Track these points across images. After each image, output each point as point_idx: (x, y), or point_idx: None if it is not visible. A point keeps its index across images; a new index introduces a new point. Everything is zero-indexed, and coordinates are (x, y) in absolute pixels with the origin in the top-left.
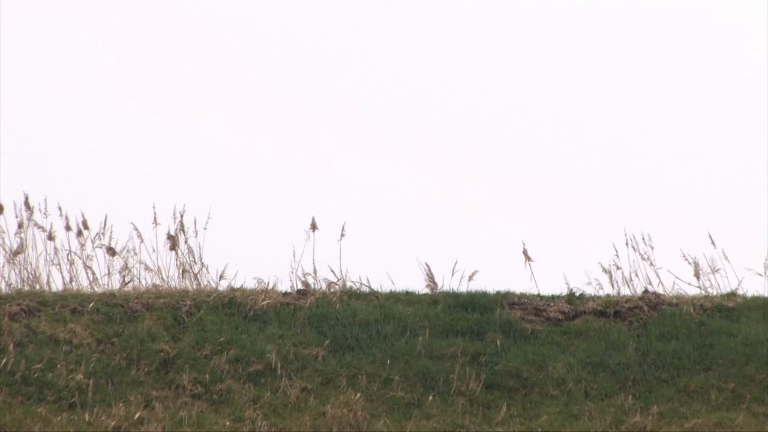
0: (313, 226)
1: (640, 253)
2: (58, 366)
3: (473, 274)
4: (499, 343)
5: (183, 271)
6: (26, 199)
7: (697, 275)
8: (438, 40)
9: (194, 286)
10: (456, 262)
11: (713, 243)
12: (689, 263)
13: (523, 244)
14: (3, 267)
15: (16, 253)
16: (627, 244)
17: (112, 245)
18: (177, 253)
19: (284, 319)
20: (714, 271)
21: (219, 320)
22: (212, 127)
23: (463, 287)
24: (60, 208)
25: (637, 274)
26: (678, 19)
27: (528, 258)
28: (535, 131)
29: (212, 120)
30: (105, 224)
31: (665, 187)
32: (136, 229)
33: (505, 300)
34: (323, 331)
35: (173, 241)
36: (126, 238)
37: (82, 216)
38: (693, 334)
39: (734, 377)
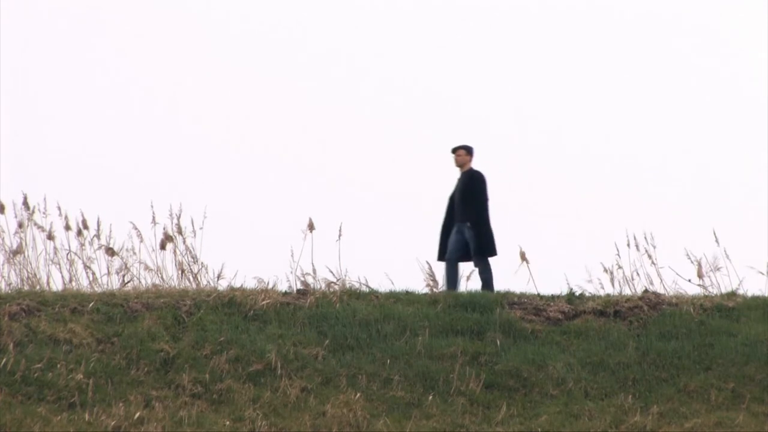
0: (310, 227)
1: (646, 252)
2: (58, 366)
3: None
4: (499, 342)
5: (181, 271)
6: (26, 198)
7: (700, 275)
8: (438, 40)
9: (194, 286)
10: None
11: (717, 241)
12: (692, 262)
13: (520, 248)
14: (3, 267)
15: (15, 252)
16: (629, 244)
17: (111, 245)
18: (176, 253)
19: (284, 318)
20: (715, 269)
21: (219, 320)
22: (210, 127)
23: (463, 287)
24: (59, 208)
25: (638, 273)
26: (679, 19)
27: (525, 260)
28: (535, 131)
29: (210, 120)
30: (98, 225)
31: (666, 186)
32: (136, 229)
33: (505, 300)
34: (323, 331)
35: (166, 240)
36: (125, 237)
37: (82, 216)
38: (693, 334)
39: (734, 377)
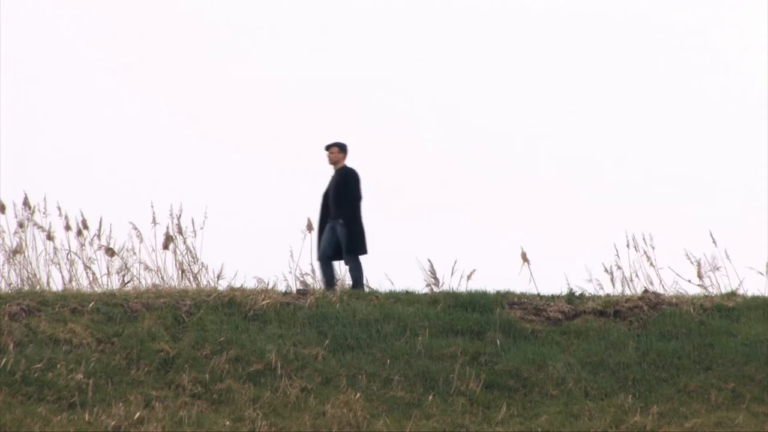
0: (309, 227)
1: (645, 253)
2: (58, 366)
3: (472, 273)
4: (499, 342)
5: (182, 271)
6: (26, 198)
7: (700, 275)
8: (439, 40)
9: (194, 286)
10: (455, 262)
11: (714, 242)
12: (692, 263)
13: (521, 248)
14: (3, 267)
15: (15, 252)
16: (628, 245)
17: (111, 245)
18: (175, 253)
19: (284, 318)
20: (714, 269)
21: (219, 320)
22: (210, 127)
23: (463, 287)
24: (59, 208)
25: (637, 274)
26: (679, 19)
27: (526, 260)
28: (536, 131)
29: (210, 120)
30: (100, 225)
31: (666, 186)
32: (136, 229)
33: (505, 300)
34: (323, 331)
35: (167, 240)
36: (125, 238)
37: (82, 216)
38: (693, 334)
39: (734, 377)
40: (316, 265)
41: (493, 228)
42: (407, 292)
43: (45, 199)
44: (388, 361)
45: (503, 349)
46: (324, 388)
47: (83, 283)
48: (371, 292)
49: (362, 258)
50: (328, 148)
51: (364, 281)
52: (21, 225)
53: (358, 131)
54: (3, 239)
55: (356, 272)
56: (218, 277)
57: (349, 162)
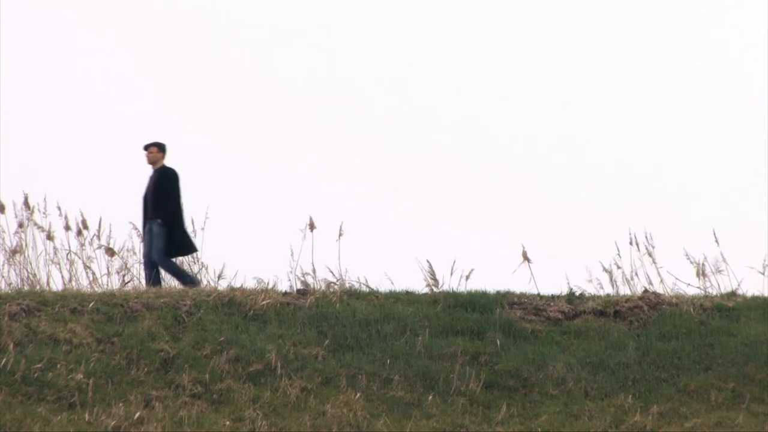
0: (311, 226)
1: (647, 252)
2: (58, 366)
3: (470, 272)
4: (499, 342)
5: None
6: (26, 198)
7: (699, 275)
8: (439, 42)
9: None
10: (455, 262)
11: (717, 241)
12: (692, 263)
13: (523, 247)
14: (3, 267)
15: (15, 252)
16: (631, 242)
17: (111, 245)
18: None
19: (284, 318)
20: (717, 271)
21: (219, 320)
22: (210, 127)
23: (463, 287)
24: (59, 208)
25: (637, 274)
26: (679, 19)
27: (527, 259)
28: (535, 130)
29: (210, 120)
30: (100, 225)
31: (666, 186)
32: (136, 229)
33: (505, 300)
34: (323, 331)
35: None
36: (125, 238)
37: (82, 216)
38: (693, 334)
39: (734, 377)
40: (143, 266)
41: (493, 227)
42: (407, 292)
43: (45, 199)
44: (388, 361)
45: (503, 349)
46: (324, 388)
47: (83, 283)
48: (371, 292)
49: (195, 255)
50: (146, 147)
51: (198, 279)
52: (21, 225)
53: (358, 131)
54: (3, 239)
55: (172, 271)
56: (218, 277)
57: (169, 162)
